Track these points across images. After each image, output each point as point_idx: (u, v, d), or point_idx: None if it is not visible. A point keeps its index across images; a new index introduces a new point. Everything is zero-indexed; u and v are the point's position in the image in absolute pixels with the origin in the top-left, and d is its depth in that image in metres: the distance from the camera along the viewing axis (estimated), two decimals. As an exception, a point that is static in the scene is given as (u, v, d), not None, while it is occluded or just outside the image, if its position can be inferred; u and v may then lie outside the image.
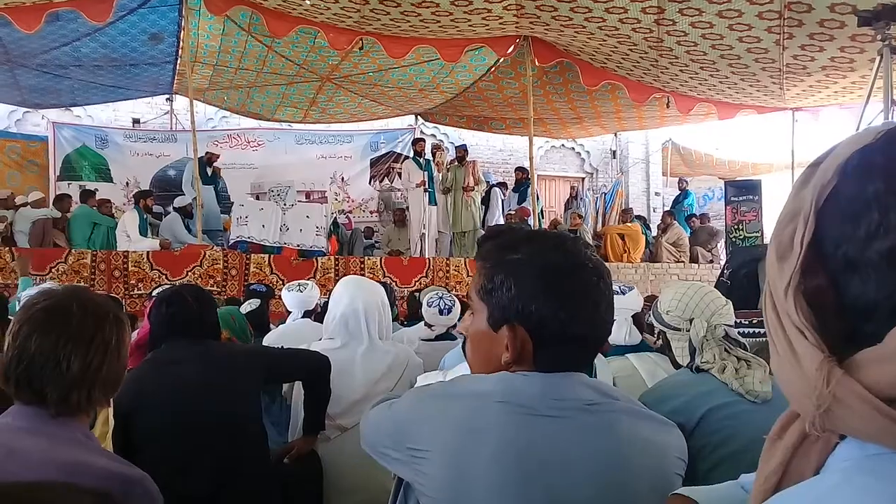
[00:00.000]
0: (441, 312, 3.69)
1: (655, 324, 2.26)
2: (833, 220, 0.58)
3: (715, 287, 2.41)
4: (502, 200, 12.27)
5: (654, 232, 13.12)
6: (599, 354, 2.26)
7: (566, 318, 1.17)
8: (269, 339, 3.93)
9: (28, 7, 7.79)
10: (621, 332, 2.70)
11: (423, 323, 3.92)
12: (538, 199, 10.96)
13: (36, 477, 1.30)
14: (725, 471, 1.76)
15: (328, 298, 4.01)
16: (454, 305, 3.71)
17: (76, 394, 1.40)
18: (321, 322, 3.79)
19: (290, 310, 4.33)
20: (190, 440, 2.37)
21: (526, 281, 1.18)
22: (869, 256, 0.56)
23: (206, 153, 10.68)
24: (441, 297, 3.75)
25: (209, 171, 10.74)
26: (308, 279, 6.88)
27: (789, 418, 0.64)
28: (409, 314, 5.76)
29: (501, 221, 11.64)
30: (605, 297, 1.22)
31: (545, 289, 1.17)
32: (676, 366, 2.23)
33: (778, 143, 12.06)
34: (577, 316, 1.18)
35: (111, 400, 1.71)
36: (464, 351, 1.40)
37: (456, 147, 11.75)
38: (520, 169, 12.49)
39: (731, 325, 2.06)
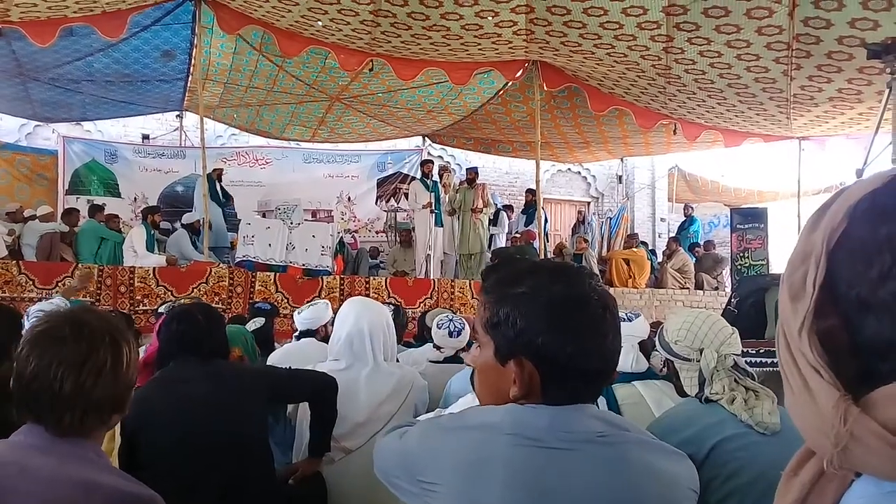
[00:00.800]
0: (451, 335, 3.66)
1: (663, 353, 2.24)
2: (845, 262, 0.59)
3: (722, 315, 2.40)
4: (509, 223, 12.28)
5: (660, 258, 13.13)
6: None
7: (574, 351, 1.17)
8: (274, 359, 3.90)
9: (42, 21, 7.85)
10: (628, 359, 2.68)
11: (430, 344, 3.90)
12: (546, 222, 10.95)
13: (47, 495, 1.31)
14: (735, 503, 1.76)
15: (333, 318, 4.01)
16: (464, 328, 3.69)
17: (69, 416, 1.40)
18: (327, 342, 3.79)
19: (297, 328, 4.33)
20: (197, 459, 2.37)
21: (532, 315, 1.17)
22: (883, 297, 0.57)
23: (214, 169, 10.69)
24: (451, 320, 3.73)
25: (218, 187, 10.77)
26: (313, 298, 6.88)
27: (805, 455, 0.65)
28: (416, 336, 5.74)
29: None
30: (612, 328, 1.22)
31: (552, 323, 1.17)
32: (682, 394, 2.22)
33: (784, 171, 12.09)
34: (584, 349, 1.17)
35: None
36: (472, 383, 1.40)
37: (467, 169, 11.73)
38: (530, 191, 12.47)
39: (738, 355, 2.04)
